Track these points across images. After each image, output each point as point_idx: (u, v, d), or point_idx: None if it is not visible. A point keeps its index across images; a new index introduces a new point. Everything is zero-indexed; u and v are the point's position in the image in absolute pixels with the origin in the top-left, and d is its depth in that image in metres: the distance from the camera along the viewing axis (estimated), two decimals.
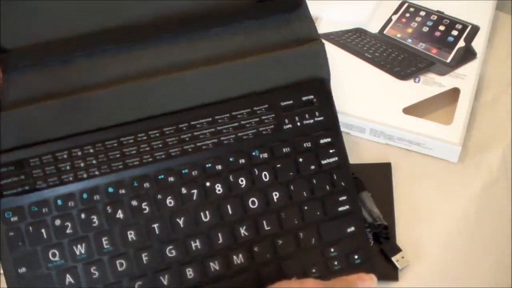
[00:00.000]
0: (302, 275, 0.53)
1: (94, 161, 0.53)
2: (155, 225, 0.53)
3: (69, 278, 0.51)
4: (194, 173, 0.54)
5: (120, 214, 0.52)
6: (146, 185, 0.53)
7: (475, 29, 0.67)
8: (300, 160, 0.55)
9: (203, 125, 0.54)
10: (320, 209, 0.55)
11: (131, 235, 0.52)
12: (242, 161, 0.55)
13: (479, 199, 0.57)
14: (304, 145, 0.56)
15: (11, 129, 0.53)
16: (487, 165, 0.59)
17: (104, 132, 0.54)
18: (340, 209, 0.55)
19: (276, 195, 0.55)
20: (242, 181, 0.54)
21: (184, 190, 0.53)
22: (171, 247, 0.52)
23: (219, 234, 0.53)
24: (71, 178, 0.52)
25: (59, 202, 0.52)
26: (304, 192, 0.55)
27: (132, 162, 0.53)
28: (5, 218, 0.51)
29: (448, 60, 0.65)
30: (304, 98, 0.57)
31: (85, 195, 0.52)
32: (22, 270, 0.51)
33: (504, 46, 0.67)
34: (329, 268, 0.54)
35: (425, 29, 0.68)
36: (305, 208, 0.55)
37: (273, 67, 0.57)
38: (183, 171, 0.54)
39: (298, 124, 0.56)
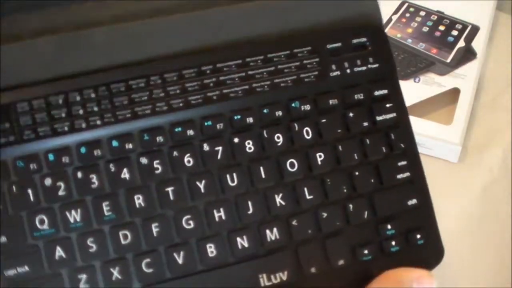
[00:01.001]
0: (351, 257, 0.42)
1: (95, 108, 0.42)
2: (169, 189, 0.42)
3: (59, 252, 0.41)
4: (219, 126, 0.43)
5: (125, 174, 0.42)
6: (159, 139, 0.42)
7: (475, 29, 0.67)
8: (350, 115, 0.45)
9: (231, 68, 0.44)
10: (375, 176, 0.44)
11: (138, 200, 0.42)
12: (278, 113, 0.44)
13: (479, 199, 0.57)
14: (355, 96, 0.45)
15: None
16: (487, 165, 0.59)
17: (108, 73, 0.43)
18: (399, 176, 0.45)
19: (320, 156, 0.44)
20: (278, 138, 0.44)
21: (206, 147, 0.43)
22: (188, 217, 0.42)
23: (249, 203, 0.43)
24: (66, 128, 0.42)
25: (51, 157, 0.42)
26: (355, 154, 0.44)
27: (142, 110, 0.43)
28: None
29: (448, 60, 0.65)
30: (355, 41, 0.46)
31: (83, 149, 0.42)
32: (2, 239, 0.40)
33: (504, 46, 0.67)
34: (384, 250, 0.43)
35: (425, 29, 0.68)
36: (356, 174, 0.44)
37: (316, 2, 0.47)
38: (205, 124, 0.43)
39: (348, 71, 0.45)
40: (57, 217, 0.41)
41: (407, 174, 0.45)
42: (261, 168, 0.43)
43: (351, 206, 0.43)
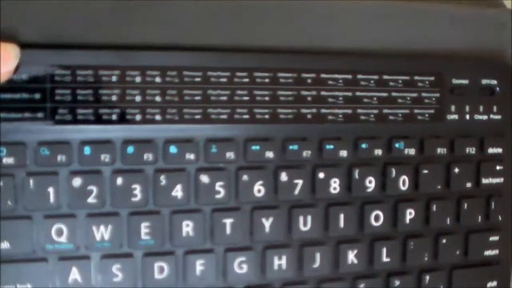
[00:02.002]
0: None
1: (157, 98, 0.32)
2: (227, 221, 0.33)
3: (75, 274, 0.31)
4: (306, 154, 0.34)
5: (178, 191, 0.32)
6: (229, 154, 0.33)
7: None
8: (456, 170, 0.37)
9: (338, 82, 0.34)
10: (461, 247, 0.37)
11: (187, 227, 0.33)
12: (378, 152, 0.35)
13: None
14: (467, 150, 0.37)
15: (35, 17, 0.30)
16: None
17: (184, 54, 0.32)
18: (487, 253, 0.37)
19: (410, 214, 0.36)
20: (370, 182, 0.35)
21: (283, 177, 0.34)
22: (242, 259, 0.33)
23: (317, 255, 0.34)
24: (114, 117, 0.31)
25: (87, 150, 0.31)
26: (448, 218, 0.37)
27: (216, 114, 0.32)
28: None
29: None
30: (484, 82, 0.37)
31: (130, 149, 0.31)
32: (4, 245, 0.30)
33: None
34: None
35: None
36: (443, 242, 0.37)
37: (447, 22, 0.37)
38: (290, 148, 0.34)
39: (467, 117, 0.37)
40: (80, 229, 0.31)
41: (495, 252, 0.38)
42: (341, 215, 0.35)
43: (427, 278, 0.36)
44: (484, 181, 0.37)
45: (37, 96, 0.30)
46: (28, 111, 0.30)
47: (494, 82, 0.37)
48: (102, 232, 0.31)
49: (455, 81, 0.36)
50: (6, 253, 0.30)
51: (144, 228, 0.32)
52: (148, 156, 0.32)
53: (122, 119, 0.31)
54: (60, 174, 0.31)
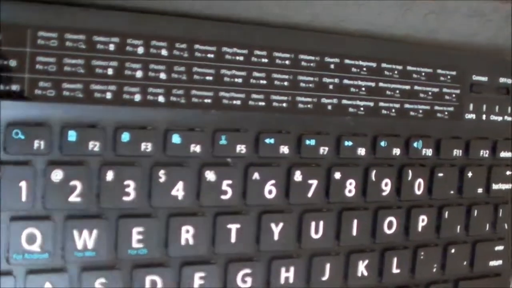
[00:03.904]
0: None
1: (162, 75, 0.26)
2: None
3: None
4: (323, 150, 0.29)
5: (178, 191, 0.27)
6: (241, 149, 0.28)
7: None
8: (469, 175, 0.34)
9: (361, 70, 0.30)
10: (468, 258, 0.34)
11: (187, 233, 0.27)
12: (396, 151, 0.31)
13: None
14: (481, 153, 0.34)
15: None
16: None
17: (204, 24, 0.27)
18: (491, 263, 0.35)
19: (423, 221, 0.33)
20: (386, 185, 0.31)
21: (297, 176, 0.29)
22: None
23: (327, 266, 0.30)
24: (109, 96, 0.25)
25: (72, 136, 0.25)
26: (458, 227, 0.34)
27: (234, 98, 0.27)
28: None
29: None
30: (501, 81, 0.34)
31: (125, 137, 0.26)
32: None
33: None
34: None
35: None
36: (452, 251, 0.34)
37: (468, 14, 0.34)
38: (306, 142, 0.29)
39: (483, 117, 0.34)
40: (58, 235, 0.25)
41: (499, 262, 0.35)
42: (355, 222, 0.31)
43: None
44: (494, 187, 0.35)
45: (13, 63, 0.23)
46: (0, 81, 0.23)
47: (510, 81, 0.34)
48: (85, 239, 0.25)
49: (475, 78, 0.33)
50: None
51: (136, 235, 0.26)
52: (146, 146, 0.26)
53: (117, 99, 0.25)
54: (35, 165, 0.24)
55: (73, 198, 0.25)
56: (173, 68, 0.26)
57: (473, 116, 0.33)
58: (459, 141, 0.33)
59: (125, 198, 0.26)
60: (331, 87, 0.29)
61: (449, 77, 0.32)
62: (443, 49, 0.33)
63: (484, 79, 0.33)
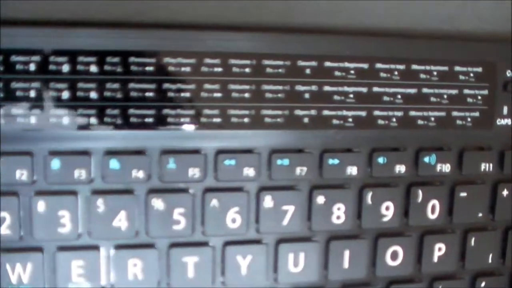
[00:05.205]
0: None
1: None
2: None
3: None
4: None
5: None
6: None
7: None
8: (504, 194, 0.27)
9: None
10: None
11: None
12: (400, 169, 0.26)
13: None
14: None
15: None
16: None
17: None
18: None
19: (440, 250, 0.27)
20: (387, 209, 0.26)
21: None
22: None
23: None
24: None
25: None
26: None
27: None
28: None
29: None
30: None
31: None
32: None
33: None
34: None
35: None
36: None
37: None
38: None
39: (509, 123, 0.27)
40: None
41: None
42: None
43: None
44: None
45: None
46: None
47: None
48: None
49: (510, 74, 0.26)
50: None
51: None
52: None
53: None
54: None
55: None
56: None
57: (508, 121, 0.27)
58: (488, 153, 0.27)
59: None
60: (306, 95, 0.24)
61: (472, 74, 0.26)
62: (463, 40, 0.26)
63: None
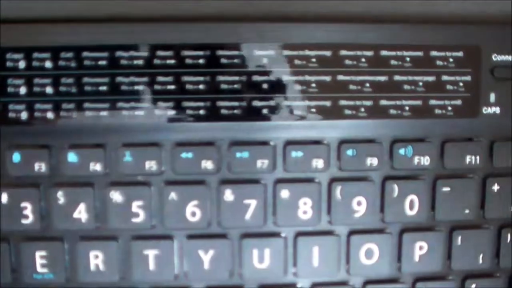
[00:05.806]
0: None
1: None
2: None
3: None
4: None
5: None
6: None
7: None
8: (494, 189, 0.25)
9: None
10: None
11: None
12: (372, 161, 0.25)
13: None
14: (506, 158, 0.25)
15: None
16: None
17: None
18: None
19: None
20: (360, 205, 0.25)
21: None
22: None
23: None
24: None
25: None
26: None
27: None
28: None
29: None
30: None
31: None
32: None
33: None
34: None
35: None
36: None
37: None
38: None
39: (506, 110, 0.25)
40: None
41: None
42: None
43: None
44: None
45: None
46: None
47: None
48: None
49: (496, 58, 0.24)
50: None
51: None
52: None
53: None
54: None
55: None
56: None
57: (496, 109, 0.25)
58: (475, 144, 0.25)
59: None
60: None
61: (451, 59, 0.24)
62: (438, 24, 0.24)
63: (508, 57, 0.24)
